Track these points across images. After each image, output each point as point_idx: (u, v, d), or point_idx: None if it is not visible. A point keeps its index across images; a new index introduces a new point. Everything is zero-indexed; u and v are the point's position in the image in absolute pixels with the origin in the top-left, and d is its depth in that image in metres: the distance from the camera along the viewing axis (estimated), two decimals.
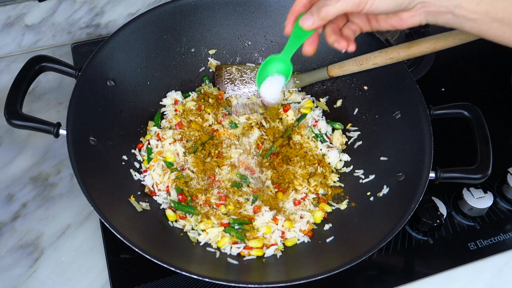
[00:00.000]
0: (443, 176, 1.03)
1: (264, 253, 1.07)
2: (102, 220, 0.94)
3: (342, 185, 1.19)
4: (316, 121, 1.26)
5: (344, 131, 1.27)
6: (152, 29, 1.22)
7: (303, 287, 0.93)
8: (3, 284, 1.07)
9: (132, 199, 1.09)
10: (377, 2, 0.84)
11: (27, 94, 1.07)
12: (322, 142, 1.24)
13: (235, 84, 1.32)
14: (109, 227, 0.92)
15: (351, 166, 1.21)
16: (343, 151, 1.24)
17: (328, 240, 1.08)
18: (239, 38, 1.32)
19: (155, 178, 1.14)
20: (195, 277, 0.90)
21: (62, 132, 1.03)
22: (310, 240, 1.10)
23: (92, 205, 0.94)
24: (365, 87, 1.25)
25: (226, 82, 1.32)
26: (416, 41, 1.13)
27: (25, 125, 1.03)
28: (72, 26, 1.46)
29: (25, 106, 1.06)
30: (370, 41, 1.21)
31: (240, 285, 0.91)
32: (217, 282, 0.93)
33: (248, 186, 1.16)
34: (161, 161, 1.16)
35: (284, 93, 1.32)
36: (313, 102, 1.31)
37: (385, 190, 1.10)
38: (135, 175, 1.15)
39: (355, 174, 1.19)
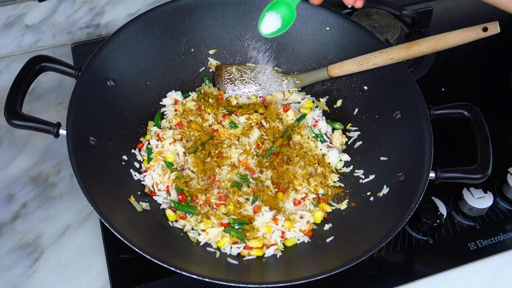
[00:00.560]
0: (443, 176, 1.03)
1: (264, 253, 1.07)
2: (102, 220, 0.94)
3: (342, 185, 1.19)
4: (316, 121, 1.26)
5: (344, 131, 1.27)
6: (152, 29, 1.22)
7: (303, 287, 0.93)
8: (3, 284, 1.07)
9: (132, 199, 1.09)
10: None
11: (27, 94, 1.07)
12: (322, 142, 1.24)
13: (235, 84, 1.32)
14: (109, 227, 0.92)
15: (351, 166, 1.21)
16: (343, 151, 1.24)
17: (328, 240, 1.08)
18: (239, 38, 1.32)
19: (155, 178, 1.14)
20: (195, 277, 0.90)
21: (62, 132, 1.03)
22: (310, 240, 1.10)
23: (92, 205, 0.94)
24: (365, 87, 1.25)
25: (226, 82, 1.32)
26: (416, 41, 1.13)
27: (25, 125, 1.03)
28: (72, 26, 1.46)
29: (25, 106, 1.06)
30: (370, 41, 1.21)
31: (240, 285, 0.91)
32: (217, 282, 0.93)
33: (248, 186, 1.16)
34: (161, 161, 1.16)
35: (284, 93, 1.32)
36: (313, 102, 1.31)
37: (385, 190, 1.10)
38: (135, 175, 1.15)
39: (355, 174, 1.19)
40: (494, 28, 1.02)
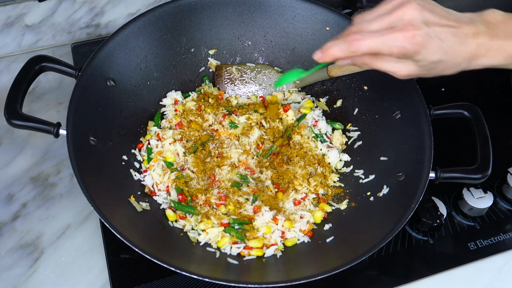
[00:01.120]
0: (443, 176, 1.03)
1: (264, 253, 1.07)
2: (102, 220, 0.94)
3: (342, 185, 1.19)
4: (316, 121, 1.26)
5: (344, 131, 1.27)
6: (152, 29, 1.22)
7: (303, 287, 0.93)
8: (3, 284, 1.07)
9: (132, 199, 1.09)
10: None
11: (27, 94, 1.07)
12: (322, 142, 1.24)
13: (235, 84, 1.32)
14: (109, 227, 0.92)
15: (351, 166, 1.21)
16: (343, 151, 1.24)
17: (328, 240, 1.08)
18: (239, 38, 1.32)
19: (155, 178, 1.14)
20: (195, 277, 0.90)
21: (62, 132, 1.03)
22: (310, 240, 1.10)
23: (92, 205, 0.94)
24: (365, 87, 1.25)
25: (226, 82, 1.32)
26: None
27: (25, 125, 1.03)
28: (72, 26, 1.46)
29: (25, 106, 1.06)
30: None
31: (240, 285, 0.92)
32: (217, 282, 0.93)
33: (248, 186, 1.16)
34: (161, 161, 1.16)
35: (284, 93, 1.32)
36: (313, 102, 1.31)
37: (385, 190, 1.10)
38: (135, 175, 1.15)
39: (355, 174, 1.19)
40: None
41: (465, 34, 0.83)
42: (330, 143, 1.25)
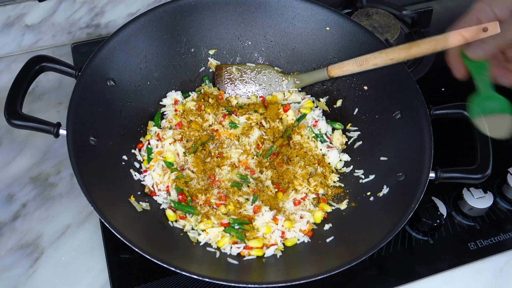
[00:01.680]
0: (443, 176, 1.03)
1: (264, 253, 1.07)
2: (102, 220, 0.94)
3: (342, 185, 1.19)
4: (316, 121, 1.26)
5: (344, 131, 1.27)
6: (152, 29, 1.22)
7: (303, 287, 0.93)
8: (3, 284, 1.07)
9: (132, 199, 1.09)
10: None
11: (27, 94, 1.07)
12: (322, 142, 1.24)
13: (235, 84, 1.32)
14: (109, 227, 0.92)
15: (351, 166, 1.21)
16: (343, 151, 1.24)
17: (328, 240, 1.08)
18: (239, 38, 1.32)
19: (155, 178, 1.14)
20: (195, 277, 0.90)
21: (62, 132, 1.03)
22: (310, 240, 1.10)
23: (92, 205, 0.94)
24: (365, 87, 1.25)
25: (226, 82, 1.32)
26: (416, 42, 1.12)
27: (25, 125, 1.03)
28: (72, 26, 1.46)
29: (25, 106, 1.06)
30: (370, 42, 1.21)
31: (240, 285, 0.91)
32: (217, 282, 0.93)
33: (248, 186, 1.16)
34: (161, 161, 1.16)
35: (284, 93, 1.32)
36: (313, 102, 1.31)
37: (385, 190, 1.10)
38: (135, 175, 1.15)
39: (355, 174, 1.19)
40: (494, 28, 1.02)
41: None
42: (330, 143, 1.25)
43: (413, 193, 1.01)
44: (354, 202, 1.15)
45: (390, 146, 1.16)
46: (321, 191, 1.17)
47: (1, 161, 1.24)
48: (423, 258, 1.13)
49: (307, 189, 1.16)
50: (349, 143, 1.25)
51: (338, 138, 1.25)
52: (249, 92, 1.33)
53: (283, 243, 1.09)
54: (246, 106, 1.28)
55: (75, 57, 1.44)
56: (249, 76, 1.33)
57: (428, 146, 1.06)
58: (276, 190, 1.17)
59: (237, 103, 1.30)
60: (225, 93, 1.32)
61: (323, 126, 1.26)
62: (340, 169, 1.22)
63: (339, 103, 1.29)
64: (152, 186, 1.14)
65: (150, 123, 1.23)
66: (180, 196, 1.12)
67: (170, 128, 1.22)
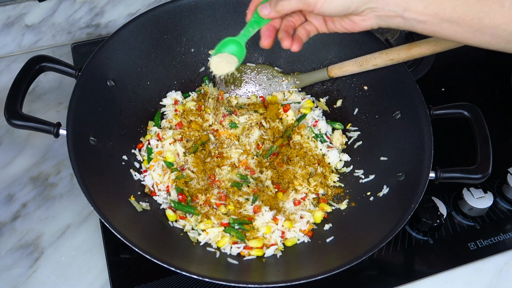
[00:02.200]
0: (443, 176, 1.03)
1: (264, 253, 1.07)
2: (102, 220, 0.94)
3: (342, 185, 1.19)
4: (316, 121, 1.26)
5: (344, 131, 1.27)
6: (152, 29, 1.22)
7: (303, 287, 0.93)
8: (3, 284, 1.07)
9: (132, 199, 1.09)
10: (326, 3, 0.86)
11: (27, 94, 1.07)
12: (322, 142, 1.24)
13: (235, 84, 1.32)
14: (109, 227, 0.92)
15: (351, 166, 1.21)
16: (343, 151, 1.24)
17: (328, 240, 1.08)
18: None
19: (155, 178, 1.14)
20: (195, 277, 0.90)
21: (62, 132, 1.03)
22: (310, 240, 1.10)
23: (92, 205, 0.94)
24: (365, 87, 1.25)
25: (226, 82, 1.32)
26: (417, 43, 1.13)
27: (25, 125, 1.03)
28: (72, 26, 1.46)
29: (25, 106, 1.06)
30: (370, 42, 1.21)
31: (240, 285, 0.91)
32: (217, 282, 0.93)
33: (248, 186, 1.16)
34: (161, 161, 1.16)
35: (284, 93, 1.32)
36: (313, 102, 1.31)
37: (385, 190, 1.10)
38: (135, 175, 1.15)
39: (355, 174, 1.19)
40: None
41: None
42: (330, 143, 1.25)
43: (413, 193, 1.01)
44: (354, 202, 1.15)
45: (390, 146, 1.16)
46: (321, 191, 1.17)
47: (1, 161, 1.24)
48: (423, 258, 1.13)
49: (307, 189, 1.16)
50: (349, 143, 1.25)
51: (338, 138, 1.25)
52: (249, 92, 1.33)
53: (283, 243, 1.09)
54: (246, 106, 1.28)
55: (75, 57, 1.44)
56: (249, 76, 1.33)
57: (428, 146, 1.06)
58: (276, 190, 1.17)
59: (237, 103, 1.30)
60: (225, 93, 1.32)
61: (323, 126, 1.26)
62: (340, 169, 1.22)
63: (339, 103, 1.29)
64: (152, 186, 1.14)
65: (150, 123, 1.23)
66: (180, 196, 1.12)
67: (170, 128, 1.22)
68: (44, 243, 1.13)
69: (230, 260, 1.04)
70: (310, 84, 1.31)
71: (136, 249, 0.91)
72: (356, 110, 1.26)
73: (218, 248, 1.07)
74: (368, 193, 1.13)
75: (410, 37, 1.50)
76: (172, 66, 1.28)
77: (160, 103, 1.26)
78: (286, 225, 1.10)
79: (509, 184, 1.20)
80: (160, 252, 0.95)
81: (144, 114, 1.23)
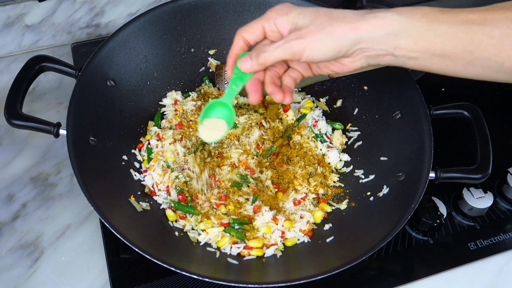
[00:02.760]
0: (443, 176, 1.03)
1: (264, 253, 1.07)
2: (102, 220, 0.94)
3: (342, 185, 1.19)
4: (316, 121, 1.26)
5: (344, 131, 1.27)
6: (152, 29, 1.22)
7: (303, 287, 0.93)
8: (3, 284, 1.07)
9: (132, 199, 1.09)
10: (315, 51, 0.82)
11: (27, 94, 1.07)
12: (322, 142, 1.24)
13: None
14: (109, 227, 0.92)
15: (351, 166, 1.21)
16: (343, 151, 1.24)
17: (328, 240, 1.08)
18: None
19: (155, 178, 1.14)
20: (195, 277, 0.90)
21: (62, 132, 1.03)
22: (310, 240, 1.10)
23: (92, 205, 0.94)
24: (365, 87, 1.25)
25: (226, 82, 1.32)
26: None
27: (25, 125, 1.03)
28: (72, 26, 1.46)
29: (25, 106, 1.06)
30: None
31: (240, 285, 0.91)
32: (217, 282, 0.93)
33: (248, 186, 1.16)
34: (161, 161, 1.16)
35: None
36: (313, 102, 1.31)
37: (385, 190, 1.10)
38: (135, 175, 1.15)
39: (355, 174, 1.19)
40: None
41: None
42: (330, 143, 1.25)
43: (413, 193, 1.01)
44: (354, 202, 1.15)
45: (390, 146, 1.16)
46: (321, 191, 1.17)
47: (1, 161, 1.24)
48: (423, 258, 1.13)
49: (307, 189, 1.16)
50: (349, 143, 1.25)
51: (338, 138, 1.25)
52: None
53: (283, 243, 1.09)
54: (246, 106, 1.28)
55: (75, 57, 1.44)
56: None
57: (428, 146, 1.06)
58: (276, 190, 1.17)
59: (237, 103, 1.30)
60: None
61: (323, 126, 1.26)
62: (340, 169, 1.22)
63: (339, 103, 1.29)
64: (152, 186, 1.14)
65: (150, 123, 1.23)
66: (180, 196, 1.12)
67: (170, 128, 1.22)
68: (44, 243, 1.13)
69: (230, 260, 1.04)
70: (310, 84, 1.31)
71: (136, 249, 0.91)
72: (356, 110, 1.26)
73: (218, 248, 1.07)
74: (368, 193, 1.13)
75: None
76: (172, 66, 1.28)
77: (160, 103, 1.26)
78: (286, 225, 1.10)
79: (509, 184, 1.20)
80: (160, 252, 0.95)
81: (144, 114, 1.23)
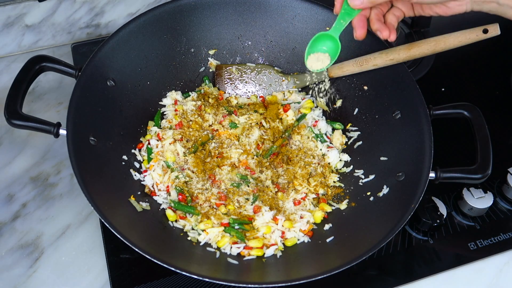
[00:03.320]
0: (443, 176, 1.03)
1: (264, 253, 1.07)
2: (102, 220, 0.94)
3: (342, 185, 1.19)
4: (316, 121, 1.26)
5: (344, 131, 1.27)
6: (152, 29, 1.22)
7: (303, 287, 0.93)
8: (3, 284, 1.07)
9: (132, 199, 1.09)
10: None
11: (27, 94, 1.07)
12: (322, 142, 1.24)
13: (235, 84, 1.32)
14: (109, 227, 0.92)
15: (351, 166, 1.21)
16: (343, 151, 1.24)
17: (328, 240, 1.08)
18: (239, 38, 1.32)
19: (155, 178, 1.14)
20: (195, 277, 0.90)
21: (62, 132, 1.03)
22: (310, 240, 1.10)
23: (92, 205, 0.94)
24: (365, 87, 1.25)
25: (226, 82, 1.32)
26: (417, 43, 1.12)
27: (25, 125, 1.03)
28: (72, 26, 1.46)
29: (25, 106, 1.06)
30: (370, 42, 1.21)
31: (240, 285, 0.91)
32: (217, 282, 0.93)
33: (248, 186, 1.16)
34: (161, 161, 1.16)
35: (284, 93, 1.32)
36: (313, 102, 1.31)
37: (385, 190, 1.10)
38: (135, 175, 1.15)
39: (355, 174, 1.19)
40: (494, 30, 1.02)
41: None
42: (330, 143, 1.25)
43: (413, 193, 1.01)
44: (354, 202, 1.15)
45: (390, 146, 1.16)
46: (321, 191, 1.17)
47: (1, 161, 1.24)
48: (423, 258, 1.13)
49: (307, 189, 1.16)
50: (349, 143, 1.25)
51: (338, 138, 1.25)
52: (249, 92, 1.33)
53: (283, 243, 1.09)
54: (246, 106, 1.28)
55: (75, 57, 1.44)
56: (249, 76, 1.33)
57: (428, 146, 1.06)
58: (276, 190, 1.17)
59: (237, 103, 1.30)
60: (225, 93, 1.32)
61: (323, 126, 1.26)
62: (340, 169, 1.22)
63: (339, 103, 1.29)
64: (152, 186, 1.14)
65: (150, 123, 1.23)
66: (180, 196, 1.12)
67: (170, 128, 1.22)
68: (44, 243, 1.13)
69: (230, 260, 1.04)
70: (310, 84, 1.31)
71: (136, 249, 0.91)
72: (356, 110, 1.26)
73: (218, 248, 1.07)
74: (368, 193, 1.13)
75: (410, 37, 1.50)
76: (172, 66, 1.28)
77: (160, 103, 1.26)
78: (286, 225, 1.10)
79: (509, 184, 1.20)
80: (160, 252, 0.95)
81: (144, 114, 1.23)
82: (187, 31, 1.27)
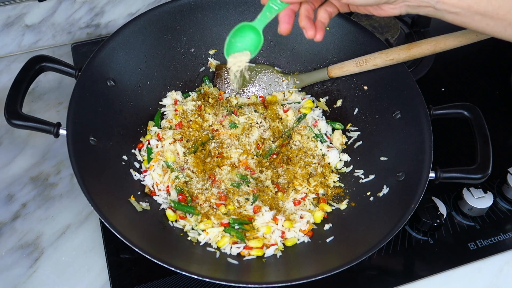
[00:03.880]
0: (443, 176, 1.03)
1: (264, 253, 1.07)
2: (102, 220, 0.94)
3: (342, 185, 1.19)
4: (316, 121, 1.26)
5: (344, 131, 1.27)
6: (152, 29, 1.22)
7: (303, 287, 0.93)
8: (3, 284, 1.07)
9: (132, 199, 1.09)
10: None
11: (27, 94, 1.07)
12: (322, 142, 1.24)
13: (248, 82, 1.32)
14: (109, 227, 0.92)
15: (351, 166, 1.21)
16: (343, 151, 1.24)
17: (328, 240, 1.08)
18: None
19: (155, 178, 1.14)
20: (195, 277, 0.90)
21: (62, 132, 1.03)
22: (310, 240, 1.10)
23: (92, 205, 0.94)
24: (365, 87, 1.25)
25: (226, 82, 1.32)
26: (417, 43, 1.12)
27: (25, 125, 1.03)
28: (72, 26, 1.46)
29: (25, 106, 1.06)
30: (370, 42, 1.21)
31: (240, 285, 0.91)
32: (217, 282, 0.93)
33: (248, 186, 1.16)
34: (161, 161, 1.16)
35: (284, 93, 1.32)
36: (313, 102, 1.31)
37: (385, 190, 1.10)
38: (135, 175, 1.15)
39: (355, 174, 1.19)
40: None
41: None
42: (330, 143, 1.25)
43: (413, 193, 1.01)
44: (354, 202, 1.15)
45: (390, 146, 1.16)
46: (321, 191, 1.17)
47: (1, 161, 1.24)
48: (423, 258, 1.13)
49: (307, 189, 1.16)
50: (349, 143, 1.25)
51: (338, 138, 1.25)
52: (249, 92, 1.33)
53: (283, 243, 1.09)
54: (246, 106, 1.28)
55: (75, 57, 1.44)
56: (249, 76, 1.33)
57: (428, 146, 1.06)
58: (276, 190, 1.17)
59: (237, 103, 1.30)
60: (225, 93, 1.32)
61: (323, 126, 1.26)
62: (340, 169, 1.22)
63: (339, 103, 1.29)
64: (152, 186, 1.14)
65: (150, 123, 1.23)
66: (180, 196, 1.12)
67: (170, 128, 1.22)
68: (44, 243, 1.13)
69: (230, 260, 1.04)
70: (310, 84, 1.31)
71: (136, 249, 0.91)
72: (356, 110, 1.26)
73: (218, 248, 1.07)
74: (368, 193, 1.13)
75: (410, 37, 1.50)
76: (172, 66, 1.28)
77: (160, 103, 1.26)
78: (286, 225, 1.10)
79: (509, 184, 1.20)
80: (160, 252, 0.95)
81: (144, 114, 1.23)
82: (187, 31, 1.27)
